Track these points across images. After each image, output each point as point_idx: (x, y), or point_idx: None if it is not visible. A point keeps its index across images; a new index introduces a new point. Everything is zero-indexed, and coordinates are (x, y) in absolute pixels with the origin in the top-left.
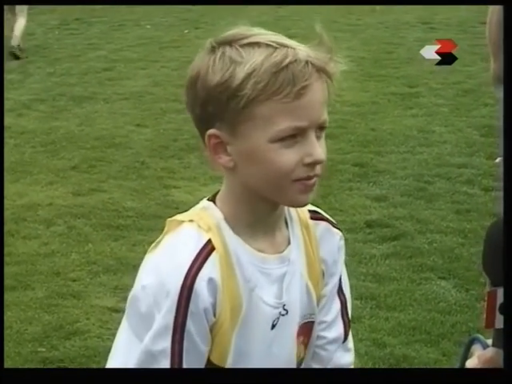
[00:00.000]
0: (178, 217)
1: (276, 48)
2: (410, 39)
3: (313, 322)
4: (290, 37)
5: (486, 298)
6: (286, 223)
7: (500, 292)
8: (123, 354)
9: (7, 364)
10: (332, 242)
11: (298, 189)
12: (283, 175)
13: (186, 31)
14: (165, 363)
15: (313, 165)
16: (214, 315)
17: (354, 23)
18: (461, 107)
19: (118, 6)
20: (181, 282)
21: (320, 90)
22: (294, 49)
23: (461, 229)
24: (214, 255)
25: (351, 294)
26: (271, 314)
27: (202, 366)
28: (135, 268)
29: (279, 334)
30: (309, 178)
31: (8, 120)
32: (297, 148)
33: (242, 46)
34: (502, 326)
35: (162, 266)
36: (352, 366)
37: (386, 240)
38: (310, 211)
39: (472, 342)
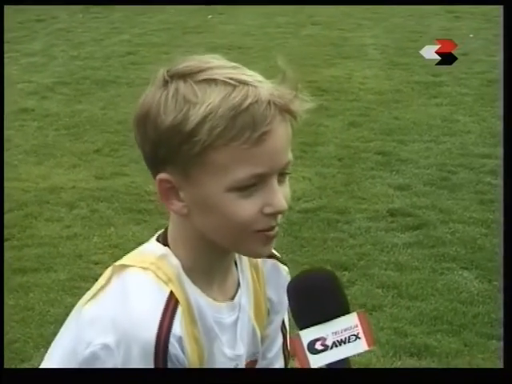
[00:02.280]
0: (125, 261)
1: (235, 86)
2: (435, 28)
3: (256, 360)
4: (314, 24)
5: (291, 345)
6: (236, 264)
7: (303, 334)
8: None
9: (30, 345)
10: (278, 280)
11: (258, 240)
12: (242, 228)
13: (210, 16)
14: None
15: (274, 215)
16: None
17: (378, 11)
18: (485, 97)
19: None
20: (153, 343)
21: (283, 132)
22: (255, 87)
23: (484, 219)
24: (179, 310)
25: (372, 282)
26: (229, 366)
27: None
28: None
29: None
30: (270, 229)
31: (31, 103)
32: (256, 197)
33: (198, 82)
34: (320, 365)
35: (121, 322)
36: None
37: (408, 229)
38: None
39: None
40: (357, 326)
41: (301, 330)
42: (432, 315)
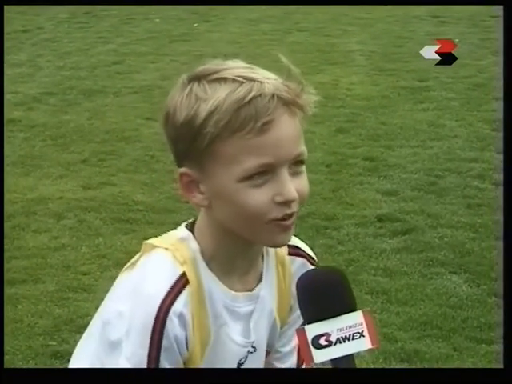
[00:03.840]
0: (154, 241)
1: (242, 83)
2: (421, 33)
3: (268, 352)
4: (300, 30)
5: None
6: (262, 257)
7: (308, 329)
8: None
9: (19, 357)
10: None
11: (273, 230)
12: (255, 217)
13: (196, 25)
14: None
15: (286, 203)
16: (187, 348)
17: (364, 17)
18: (471, 101)
19: None
20: (153, 316)
21: (289, 123)
22: (261, 82)
23: (472, 223)
24: (187, 290)
25: (362, 288)
26: (239, 353)
27: None
28: None
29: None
30: (284, 218)
31: (18, 113)
32: (267, 187)
33: (210, 81)
34: (323, 360)
35: (136, 295)
36: None
37: (396, 234)
38: (289, 246)
39: None
40: (361, 324)
41: (307, 324)
42: (421, 320)
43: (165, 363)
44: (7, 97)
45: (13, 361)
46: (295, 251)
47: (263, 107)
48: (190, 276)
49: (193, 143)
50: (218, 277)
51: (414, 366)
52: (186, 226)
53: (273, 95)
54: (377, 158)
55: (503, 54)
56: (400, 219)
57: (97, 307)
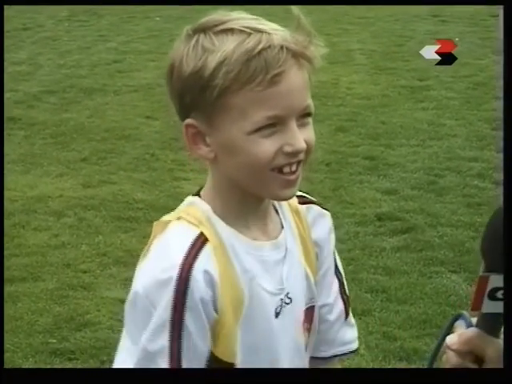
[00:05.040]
0: (164, 218)
1: (250, 34)
2: (421, 32)
3: (314, 307)
4: None
5: (476, 282)
6: (276, 210)
7: (492, 278)
8: (121, 363)
9: (19, 355)
10: (323, 224)
11: (279, 182)
12: (262, 165)
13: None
14: (163, 363)
15: (294, 154)
16: (216, 311)
17: (365, 16)
18: (472, 100)
19: None
20: (175, 276)
21: (298, 75)
22: (269, 34)
23: (471, 222)
24: (207, 247)
25: (361, 287)
26: (273, 302)
27: (203, 365)
28: None
29: (285, 323)
30: (289, 167)
31: (18, 112)
32: (276, 137)
33: (216, 33)
34: (489, 311)
35: (155, 266)
36: (356, 342)
37: (396, 233)
38: (297, 196)
39: (457, 318)
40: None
41: (487, 268)
42: (421, 319)
43: (190, 325)
44: (7, 95)
45: (13, 358)
46: (305, 200)
47: (273, 59)
48: (209, 234)
49: (201, 95)
50: (238, 230)
51: (413, 365)
52: (191, 195)
53: (282, 47)
54: (377, 157)
55: (503, 54)
56: (400, 218)
57: (97, 305)
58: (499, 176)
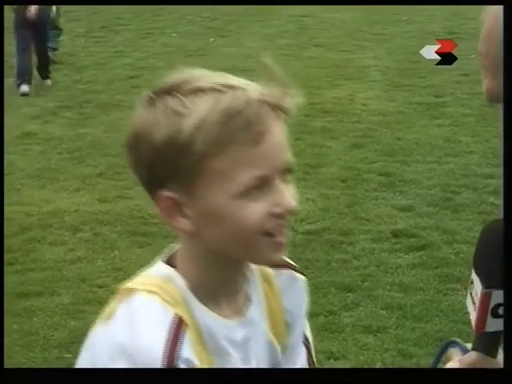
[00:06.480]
0: (131, 285)
1: (223, 92)
2: None
3: None
4: (316, 46)
5: (478, 299)
6: (245, 278)
7: (495, 294)
8: None
9: None
10: (296, 290)
11: (268, 246)
12: (252, 230)
13: (212, 39)
14: None
15: (283, 215)
16: None
17: (380, 32)
18: (487, 117)
19: (144, 13)
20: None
21: (279, 129)
22: (243, 89)
23: None
24: (187, 333)
25: (377, 303)
26: None
27: None
28: None
29: None
30: (279, 231)
31: (34, 127)
32: (263, 199)
33: (185, 94)
34: (492, 329)
35: (129, 349)
36: None
37: (412, 250)
38: None
39: (448, 345)
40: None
41: (486, 288)
42: (437, 336)
43: None
44: (24, 110)
45: None
46: (278, 263)
47: (254, 115)
48: (185, 316)
49: (177, 163)
50: (211, 309)
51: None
52: (164, 262)
53: (260, 101)
54: (392, 174)
55: (504, 54)
56: (416, 235)
57: None
58: None
